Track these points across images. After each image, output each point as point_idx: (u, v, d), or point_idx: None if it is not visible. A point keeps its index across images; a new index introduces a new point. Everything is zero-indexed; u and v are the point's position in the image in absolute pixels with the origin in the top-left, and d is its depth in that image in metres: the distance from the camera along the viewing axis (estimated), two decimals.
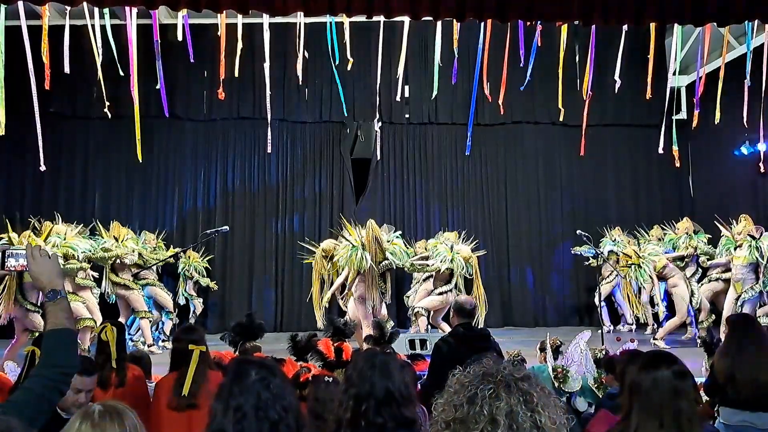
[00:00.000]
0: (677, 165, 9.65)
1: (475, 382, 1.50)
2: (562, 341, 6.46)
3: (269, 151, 9.79)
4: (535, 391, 1.50)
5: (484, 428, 1.44)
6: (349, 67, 8.50)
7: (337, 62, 8.64)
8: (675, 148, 9.12)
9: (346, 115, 10.83)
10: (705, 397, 4.14)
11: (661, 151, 9.52)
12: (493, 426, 1.44)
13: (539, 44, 8.51)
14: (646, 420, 2.19)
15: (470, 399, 1.48)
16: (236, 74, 8.24)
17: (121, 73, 8.06)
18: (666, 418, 2.18)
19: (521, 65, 8.59)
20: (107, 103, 8.13)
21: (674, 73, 9.04)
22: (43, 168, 7.81)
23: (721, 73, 8.21)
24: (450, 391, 1.54)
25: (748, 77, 7.94)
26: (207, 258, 11.53)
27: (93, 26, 7.56)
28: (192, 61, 8.23)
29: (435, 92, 9.59)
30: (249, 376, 2.11)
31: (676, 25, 7.77)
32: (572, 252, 11.65)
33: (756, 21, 7.08)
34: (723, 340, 4.20)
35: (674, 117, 10.04)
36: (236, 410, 2.03)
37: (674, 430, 2.16)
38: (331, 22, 8.41)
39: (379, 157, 12.22)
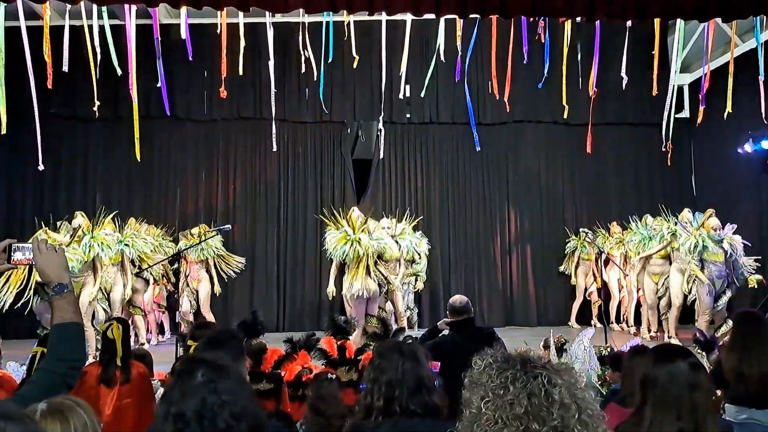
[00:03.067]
0: (668, 164, 9.65)
1: (522, 374, 1.47)
2: (566, 339, 6.46)
3: (275, 149, 9.77)
4: (569, 373, 1.51)
5: (557, 415, 1.42)
6: (355, 65, 8.46)
7: (335, 60, 8.62)
8: (669, 145, 9.10)
9: (326, 112, 10.82)
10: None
11: (664, 149, 9.50)
12: (565, 410, 1.42)
13: (542, 41, 8.48)
14: (663, 413, 2.17)
15: (530, 391, 1.44)
16: (240, 72, 8.21)
17: (119, 73, 8.04)
18: (683, 411, 2.16)
19: (525, 62, 8.55)
20: (97, 103, 8.10)
21: (676, 72, 9.01)
22: (41, 168, 7.78)
23: (731, 68, 8.18)
24: (492, 386, 1.47)
25: (762, 72, 7.90)
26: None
27: (90, 26, 7.53)
28: (191, 59, 8.20)
29: (423, 91, 9.57)
30: (194, 377, 1.82)
31: (679, 21, 7.74)
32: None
33: (763, 16, 7.03)
34: (729, 336, 4.16)
35: (676, 115, 10.02)
36: (176, 417, 1.76)
37: (691, 423, 2.14)
38: (328, 21, 8.38)
39: (381, 156, 12.19)
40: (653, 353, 2.40)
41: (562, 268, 12.25)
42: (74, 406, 1.79)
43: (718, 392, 3.88)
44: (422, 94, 9.93)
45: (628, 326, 10.97)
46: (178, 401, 1.78)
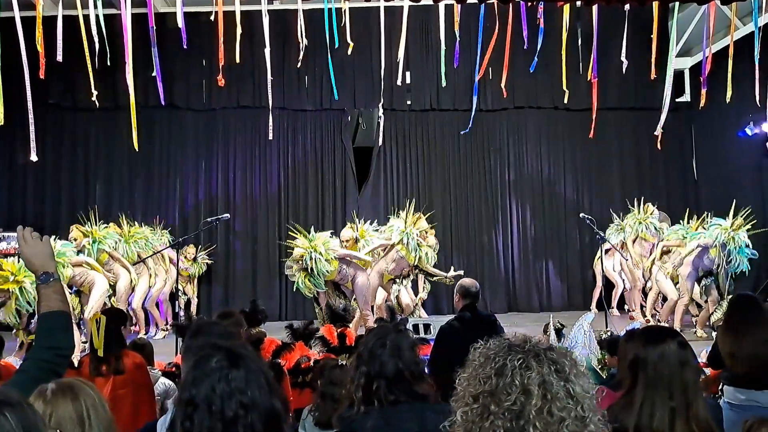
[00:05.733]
0: (659, 148, 9.57)
1: (502, 354, 1.44)
2: (564, 324, 6.47)
3: (270, 138, 9.74)
4: (565, 361, 1.45)
5: (517, 399, 1.38)
6: (349, 52, 8.40)
7: (336, 46, 8.53)
8: (660, 130, 9.01)
9: (336, 98, 10.75)
10: (708, 371, 4.17)
11: (658, 132, 9.41)
12: (526, 396, 1.38)
13: (541, 26, 8.43)
14: (654, 393, 2.19)
15: (499, 370, 1.41)
16: (237, 60, 8.17)
17: (115, 63, 8.02)
18: (675, 390, 2.18)
19: (525, 47, 8.50)
20: (95, 93, 8.08)
21: (676, 56, 8.94)
22: (34, 158, 7.76)
23: (731, 51, 8.13)
24: (475, 364, 1.47)
25: (757, 55, 7.85)
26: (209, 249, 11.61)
27: (87, 16, 7.51)
28: (185, 46, 8.15)
29: (444, 82, 9.49)
30: (208, 363, 1.81)
31: (677, 4, 7.68)
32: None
33: None
34: (724, 318, 4.19)
35: (677, 99, 9.97)
36: (187, 403, 1.76)
37: (682, 402, 2.16)
38: (330, 8, 8.33)
39: (381, 143, 12.16)
40: (643, 335, 2.41)
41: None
42: (83, 385, 1.83)
43: (708, 372, 3.90)
44: (443, 84, 9.81)
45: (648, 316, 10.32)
46: (190, 387, 1.78)
